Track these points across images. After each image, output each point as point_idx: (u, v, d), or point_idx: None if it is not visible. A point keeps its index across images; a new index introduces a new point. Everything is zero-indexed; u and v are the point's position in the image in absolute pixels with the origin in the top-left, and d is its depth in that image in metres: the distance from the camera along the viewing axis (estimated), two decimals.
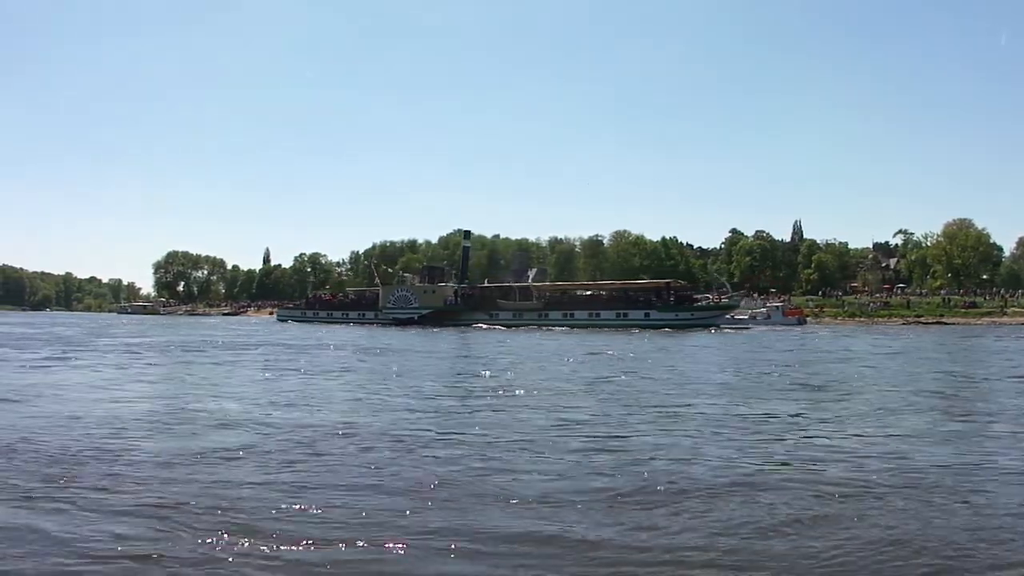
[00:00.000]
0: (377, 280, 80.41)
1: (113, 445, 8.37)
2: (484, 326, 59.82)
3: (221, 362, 21.64)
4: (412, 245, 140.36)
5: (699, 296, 63.69)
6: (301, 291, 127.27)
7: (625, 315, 59.34)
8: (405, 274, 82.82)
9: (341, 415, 10.89)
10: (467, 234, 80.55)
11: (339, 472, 7.19)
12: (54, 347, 27.73)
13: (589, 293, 67.80)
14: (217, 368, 19.58)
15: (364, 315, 72.59)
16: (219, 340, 35.01)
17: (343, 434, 9.17)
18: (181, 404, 12.00)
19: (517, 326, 59.03)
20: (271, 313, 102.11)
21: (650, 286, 65.64)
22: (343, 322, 71.40)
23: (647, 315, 58.18)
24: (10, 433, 8.91)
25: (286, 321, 77.52)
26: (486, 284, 75.30)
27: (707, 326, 55.57)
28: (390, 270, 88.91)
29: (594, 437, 9.16)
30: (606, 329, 53.71)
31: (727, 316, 71.28)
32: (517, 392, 14.00)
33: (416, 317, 66.52)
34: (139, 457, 7.79)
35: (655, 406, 12.00)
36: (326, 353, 25.85)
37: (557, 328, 55.60)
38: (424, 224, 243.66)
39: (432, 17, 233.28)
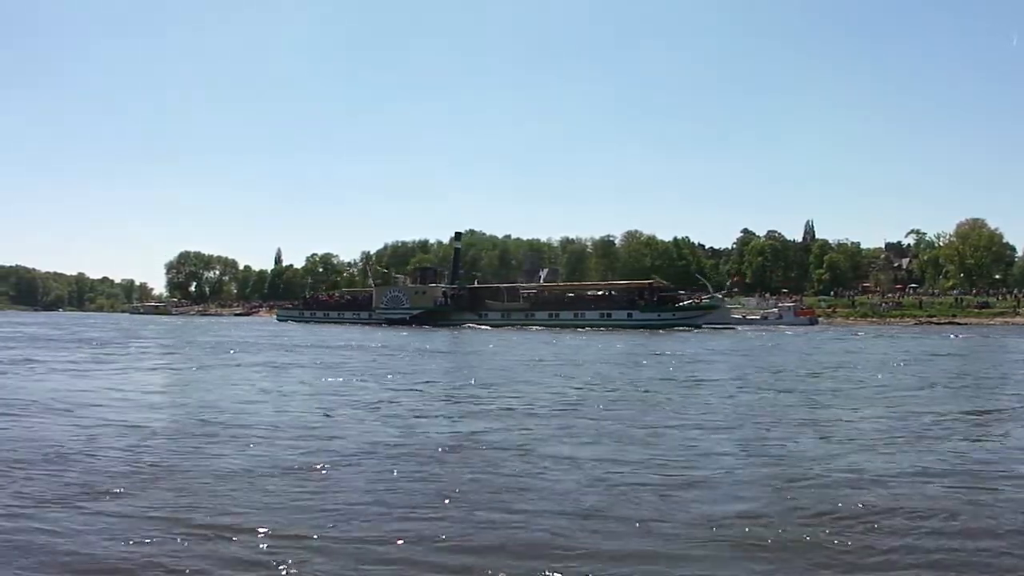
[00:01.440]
0: (371, 281, 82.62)
1: (191, 457, 7.85)
2: (472, 326, 61.26)
3: (269, 363, 21.60)
4: (424, 245, 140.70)
5: (680, 296, 64.75)
6: (314, 291, 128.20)
7: (608, 315, 60.69)
8: (397, 275, 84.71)
9: (448, 424, 10.26)
10: (458, 236, 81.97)
11: (470, 491, 6.55)
12: (95, 349, 27.94)
13: (574, 294, 69.12)
14: (272, 371, 19.30)
15: (359, 315, 74.47)
16: (255, 341, 35.26)
17: (453, 447, 8.49)
18: (255, 410, 11.54)
19: (504, 326, 60.45)
20: None
21: (633, 287, 66.88)
22: (339, 322, 73.42)
23: (629, 315, 59.48)
24: (77, 443, 8.54)
25: (285, 321, 79.77)
26: (476, 285, 76.91)
27: (689, 326, 56.67)
28: (385, 271, 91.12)
29: (745, 444, 8.77)
30: (590, 329, 54.98)
31: (747, 316, 72.31)
32: (624, 394, 13.83)
33: (407, 317, 68.12)
34: (224, 470, 7.25)
35: (780, 411, 11.77)
36: (381, 355, 25.82)
37: (542, 328, 56.77)
38: (437, 224, 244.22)
39: (442, 18, 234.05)
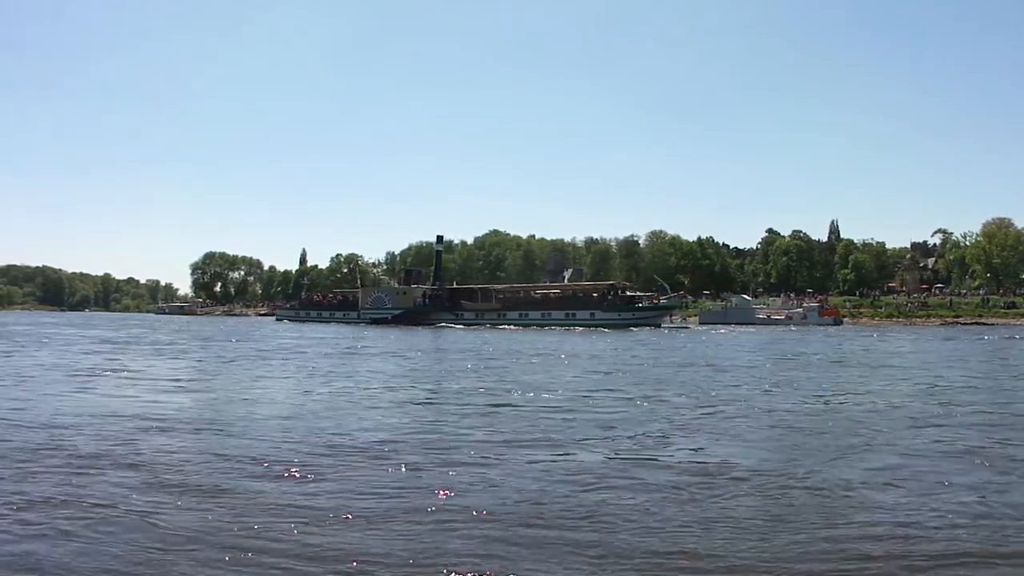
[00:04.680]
0: (359, 282, 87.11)
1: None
2: (446, 325, 65.11)
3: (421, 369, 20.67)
4: (448, 246, 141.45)
5: (640, 297, 67.60)
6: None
7: (573, 315, 63.69)
8: (381, 277, 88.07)
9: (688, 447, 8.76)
10: (440, 239, 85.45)
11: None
12: (185, 354, 28.40)
13: (542, 294, 71.84)
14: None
15: (347, 315, 78.37)
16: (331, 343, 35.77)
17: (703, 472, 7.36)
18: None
19: (479, 325, 64.07)
20: None
21: (598, 287, 70.33)
22: (329, 321, 77.46)
23: (592, 315, 62.46)
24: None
25: (282, 320, 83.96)
26: (455, 287, 79.92)
27: (648, 325, 59.60)
28: (374, 272, 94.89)
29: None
30: (557, 328, 57.93)
31: (771, 316, 73.28)
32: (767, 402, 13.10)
33: (390, 317, 71.86)
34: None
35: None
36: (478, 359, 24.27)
37: (513, 327, 59.58)
38: (460, 224, 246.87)
39: (462, 17, 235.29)
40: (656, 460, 7.92)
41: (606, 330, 53.05)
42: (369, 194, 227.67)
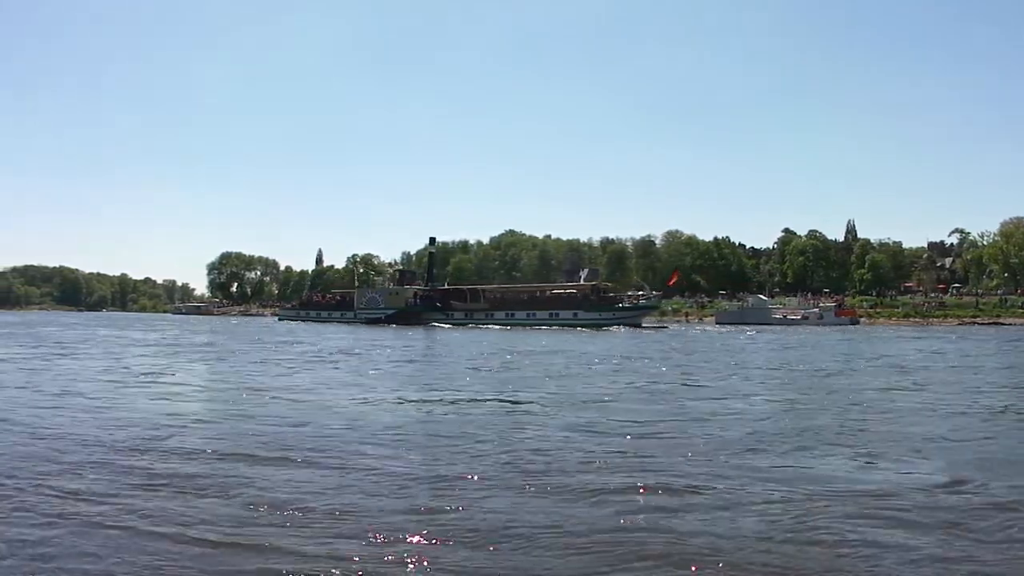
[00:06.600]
0: (355, 282, 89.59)
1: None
2: (436, 324, 67.14)
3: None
4: (464, 246, 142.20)
5: (621, 297, 70.33)
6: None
7: (556, 315, 66.08)
8: (376, 277, 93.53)
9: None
10: (432, 240, 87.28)
11: None
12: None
13: (528, 295, 73.83)
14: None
15: (344, 315, 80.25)
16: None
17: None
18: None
19: (467, 324, 66.14)
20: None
21: (581, 287, 72.49)
22: (327, 321, 79.31)
23: (575, 315, 64.82)
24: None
25: (284, 320, 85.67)
26: (446, 287, 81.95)
27: (629, 324, 61.68)
28: (371, 273, 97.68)
29: None
30: (541, 327, 60.01)
31: (787, 316, 73.86)
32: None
33: (383, 317, 73.73)
34: None
35: None
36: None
37: (499, 326, 61.57)
38: (477, 224, 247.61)
39: (472, 21, 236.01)
40: (880, 481, 6.97)
41: (588, 329, 55.22)
42: (385, 195, 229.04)
